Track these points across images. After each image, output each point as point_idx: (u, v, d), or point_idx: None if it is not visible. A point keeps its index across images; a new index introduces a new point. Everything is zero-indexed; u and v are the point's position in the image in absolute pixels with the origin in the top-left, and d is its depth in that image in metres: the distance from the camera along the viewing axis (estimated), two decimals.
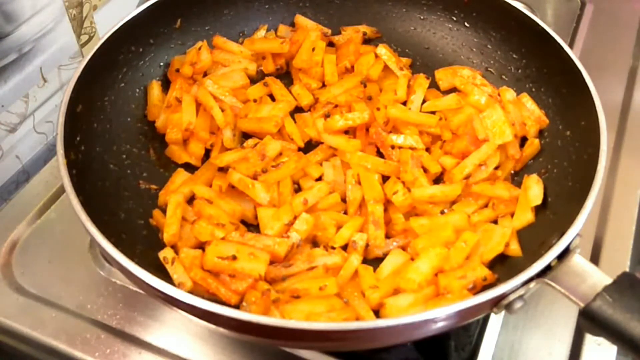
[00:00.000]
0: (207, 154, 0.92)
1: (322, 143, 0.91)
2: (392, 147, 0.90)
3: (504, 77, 0.98)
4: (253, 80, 0.99)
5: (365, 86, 0.97)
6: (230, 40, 1.02)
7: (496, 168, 0.86)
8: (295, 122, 0.94)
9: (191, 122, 0.91)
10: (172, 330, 0.81)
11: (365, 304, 0.74)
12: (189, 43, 1.00)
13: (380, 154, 0.90)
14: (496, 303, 0.65)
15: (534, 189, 0.82)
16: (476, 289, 0.73)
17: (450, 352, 0.82)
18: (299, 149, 0.91)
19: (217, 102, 0.93)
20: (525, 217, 0.80)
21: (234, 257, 0.75)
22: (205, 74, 0.98)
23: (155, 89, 0.96)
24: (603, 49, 1.19)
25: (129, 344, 0.80)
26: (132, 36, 0.93)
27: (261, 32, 1.05)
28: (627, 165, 1.00)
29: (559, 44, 0.87)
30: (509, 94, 0.93)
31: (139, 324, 0.82)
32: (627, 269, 0.87)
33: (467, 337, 0.82)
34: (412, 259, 0.77)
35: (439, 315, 0.62)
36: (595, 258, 0.88)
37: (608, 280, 0.63)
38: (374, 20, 1.06)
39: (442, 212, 0.84)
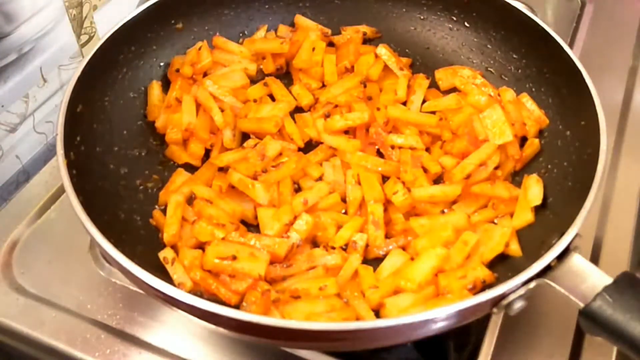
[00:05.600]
0: (207, 154, 0.92)
1: (322, 143, 0.91)
2: (392, 147, 0.90)
3: (504, 77, 0.98)
4: (253, 80, 0.99)
5: (365, 86, 0.97)
6: (230, 40, 1.02)
7: (496, 168, 0.86)
8: (295, 122, 0.94)
9: (191, 122, 0.91)
10: (172, 330, 0.82)
11: (365, 304, 0.74)
12: (189, 43, 1.00)
13: (380, 154, 0.90)
14: (496, 303, 0.65)
15: (533, 189, 0.82)
16: (476, 289, 0.73)
17: (450, 352, 0.82)
18: (299, 149, 0.91)
19: (217, 102, 0.93)
20: (525, 217, 0.80)
21: (234, 257, 0.75)
22: (205, 74, 0.98)
23: (155, 89, 0.96)
24: (603, 49, 1.19)
25: (129, 344, 0.80)
26: (132, 36, 0.93)
27: (261, 32, 1.05)
28: (627, 165, 1.00)
29: (559, 44, 0.87)
30: (509, 94, 0.93)
31: (139, 324, 0.82)
32: (627, 269, 0.87)
33: (467, 337, 0.82)
34: (412, 259, 0.77)
35: (439, 315, 0.62)
36: (595, 258, 0.88)
37: (608, 280, 0.63)
38: (374, 20, 1.06)
39: (442, 212, 0.84)
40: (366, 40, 1.04)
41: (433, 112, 0.94)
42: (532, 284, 0.65)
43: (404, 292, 0.74)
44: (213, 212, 0.81)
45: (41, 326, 0.82)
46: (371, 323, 0.64)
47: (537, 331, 0.81)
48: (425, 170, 0.87)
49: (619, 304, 0.61)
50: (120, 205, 0.83)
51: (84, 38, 1.10)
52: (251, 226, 0.84)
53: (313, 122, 0.93)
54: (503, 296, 0.64)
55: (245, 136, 0.92)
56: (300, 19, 1.05)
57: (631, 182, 0.98)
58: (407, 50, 1.05)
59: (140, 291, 0.80)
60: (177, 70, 0.97)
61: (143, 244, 0.80)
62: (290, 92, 0.98)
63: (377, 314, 0.74)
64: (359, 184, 0.85)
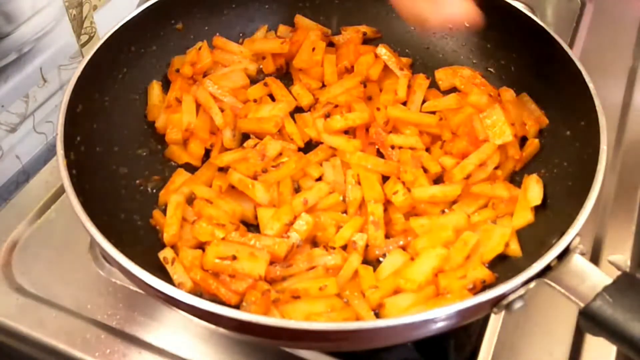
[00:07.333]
0: (207, 154, 0.92)
1: (322, 143, 0.91)
2: (392, 147, 0.90)
3: (504, 77, 0.98)
4: (253, 80, 0.99)
5: (365, 86, 0.97)
6: (230, 40, 1.02)
7: (496, 168, 0.86)
8: (295, 122, 0.94)
9: (191, 122, 0.91)
10: (172, 330, 0.82)
11: (365, 304, 0.74)
12: (189, 43, 1.00)
13: (380, 154, 0.90)
14: (496, 303, 0.65)
15: (533, 189, 0.82)
16: (476, 289, 0.73)
17: (450, 352, 0.82)
18: (299, 149, 0.91)
19: (217, 102, 0.93)
20: (525, 217, 0.80)
21: (234, 258, 0.75)
22: (205, 74, 0.98)
23: (155, 89, 0.96)
24: (603, 49, 1.19)
25: (129, 344, 0.80)
26: (132, 36, 0.93)
27: (261, 32, 1.05)
28: (627, 165, 1.00)
29: (559, 44, 0.87)
30: (509, 94, 0.93)
31: (139, 324, 0.82)
32: (627, 269, 0.87)
33: (467, 337, 0.82)
34: (412, 259, 0.77)
35: (439, 315, 0.62)
36: (595, 258, 0.88)
37: (608, 280, 0.63)
38: (374, 20, 1.06)
39: (442, 212, 0.84)
40: (366, 40, 1.04)
41: (433, 112, 0.94)
42: (532, 284, 0.65)
43: (404, 292, 0.74)
44: (213, 212, 0.81)
45: (41, 326, 0.82)
46: (371, 323, 0.64)
47: (537, 331, 0.81)
48: (425, 170, 0.87)
49: (619, 304, 0.61)
50: (120, 205, 0.83)
51: (84, 38, 1.10)
52: (251, 226, 0.84)
53: (313, 122, 0.93)
54: (503, 296, 0.64)
55: (245, 136, 0.92)
56: (300, 19, 1.05)
57: (631, 182, 0.98)
58: (407, 50, 1.05)
59: (140, 291, 0.80)
60: (177, 70, 0.97)
61: (143, 244, 0.80)
62: (290, 92, 0.98)
63: (377, 314, 0.74)
64: (359, 184, 0.85)
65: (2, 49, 0.95)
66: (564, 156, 0.84)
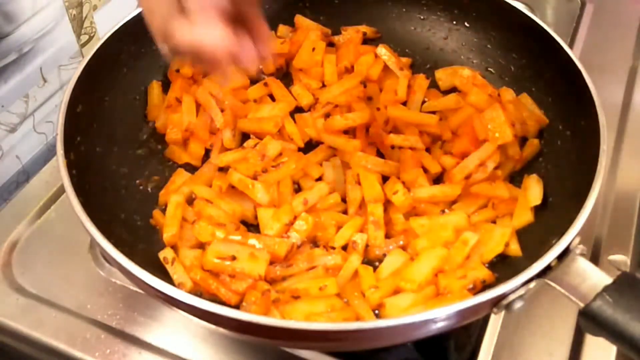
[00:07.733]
0: (207, 154, 0.92)
1: (322, 143, 0.91)
2: (392, 147, 0.90)
3: (504, 77, 0.98)
4: (253, 80, 0.99)
5: (365, 86, 0.97)
6: None
7: (496, 168, 0.86)
8: (295, 122, 0.94)
9: (191, 122, 0.91)
10: (172, 330, 0.81)
11: (365, 304, 0.74)
12: None
13: (380, 154, 0.90)
14: (496, 303, 0.65)
15: (534, 189, 0.82)
16: (476, 289, 0.73)
17: (450, 352, 0.82)
18: (299, 149, 0.91)
19: (216, 102, 0.93)
20: (525, 217, 0.80)
21: (234, 258, 0.75)
22: (205, 74, 0.98)
23: (155, 89, 0.96)
24: (603, 49, 1.19)
25: (129, 344, 0.80)
26: (132, 36, 0.93)
27: None
28: (627, 165, 1.00)
29: (559, 44, 0.87)
30: (509, 94, 0.93)
31: (139, 324, 0.82)
32: (627, 269, 0.87)
33: (467, 337, 0.82)
34: (412, 259, 0.77)
35: (439, 315, 0.62)
36: (595, 258, 0.88)
37: (608, 280, 0.63)
38: (374, 20, 1.06)
39: (442, 212, 0.84)
40: (366, 40, 1.04)
41: (433, 112, 0.94)
42: (532, 284, 0.65)
43: (404, 292, 0.74)
44: (213, 212, 0.81)
45: (41, 326, 0.82)
46: (371, 323, 0.64)
47: (537, 331, 0.81)
48: (425, 170, 0.87)
49: (619, 304, 0.61)
50: (120, 205, 0.83)
51: (84, 38, 1.10)
52: (251, 226, 0.84)
53: (313, 122, 0.93)
54: (503, 296, 0.64)
55: (245, 136, 0.92)
56: (300, 19, 1.05)
57: (631, 182, 0.98)
58: (407, 50, 1.05)
59: (140, 291, 0.80)
60: (177, 70, 0.96)
61: (143, 243, 0.80)
62: (290, 92, 0.98)
63: (377, 314, 0.74)
64: (359, 184, 0.85)
65: (2, 49, 0.95)
66: (564, 156, 0.84)
